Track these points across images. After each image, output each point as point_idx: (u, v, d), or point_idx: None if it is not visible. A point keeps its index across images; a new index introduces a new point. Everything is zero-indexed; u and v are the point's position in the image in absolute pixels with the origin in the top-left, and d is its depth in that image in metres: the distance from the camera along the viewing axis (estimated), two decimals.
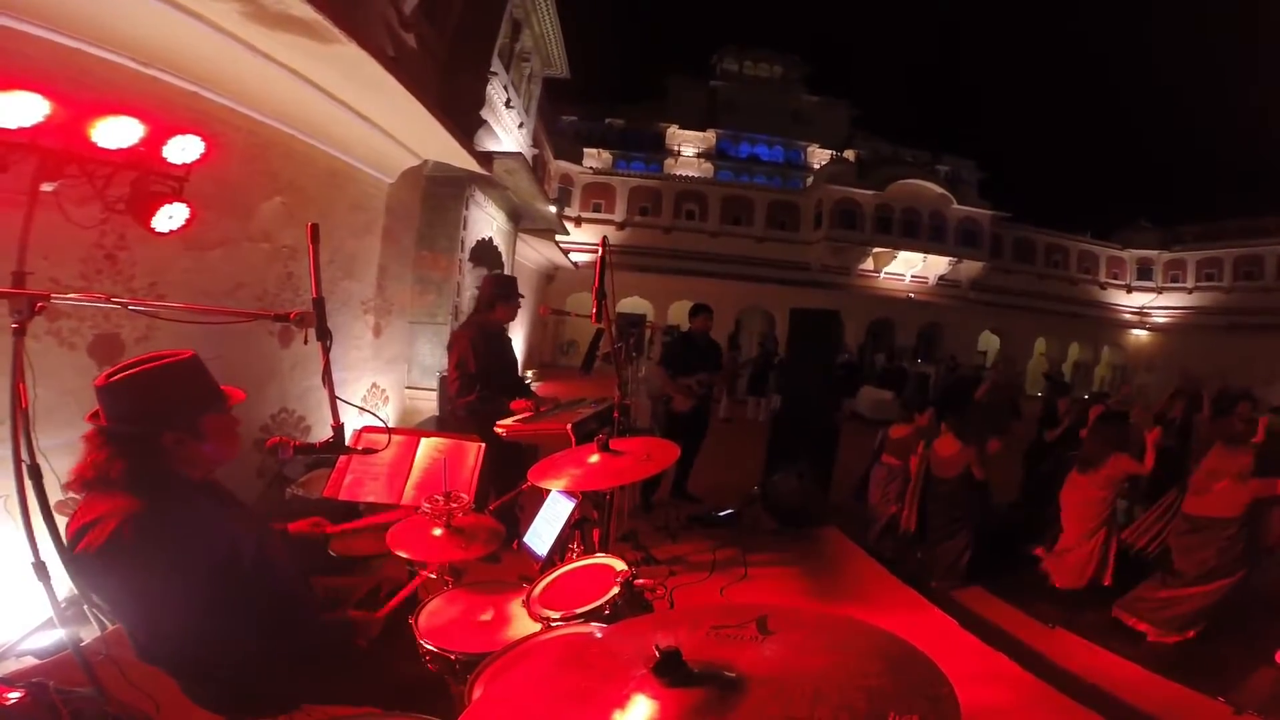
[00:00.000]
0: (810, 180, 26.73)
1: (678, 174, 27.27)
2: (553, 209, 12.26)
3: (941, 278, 25.01)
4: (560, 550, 2.08)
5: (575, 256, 19.28)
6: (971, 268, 24.94)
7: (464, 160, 6.47)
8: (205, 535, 1.43)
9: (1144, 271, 27.65)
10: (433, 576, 1.81)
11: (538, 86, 12.28)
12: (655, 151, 28.99)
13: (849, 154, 26.90)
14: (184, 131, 2.02)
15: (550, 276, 19.80)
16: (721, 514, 5.12)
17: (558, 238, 14.83)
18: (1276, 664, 3.51)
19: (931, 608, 3.89)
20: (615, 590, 1.51)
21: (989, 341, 24.86)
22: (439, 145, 5.97)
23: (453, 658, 1.46)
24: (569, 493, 2.03)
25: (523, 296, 4.08)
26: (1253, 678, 3.45)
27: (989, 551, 4.75)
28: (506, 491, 2.63)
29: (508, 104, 9.83)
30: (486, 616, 1.62)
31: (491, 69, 8.27)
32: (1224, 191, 47.32)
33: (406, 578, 1.85)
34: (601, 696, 0.84)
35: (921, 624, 3.64)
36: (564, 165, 24.32)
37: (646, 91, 31.77)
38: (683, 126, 29.34)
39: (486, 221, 8.96)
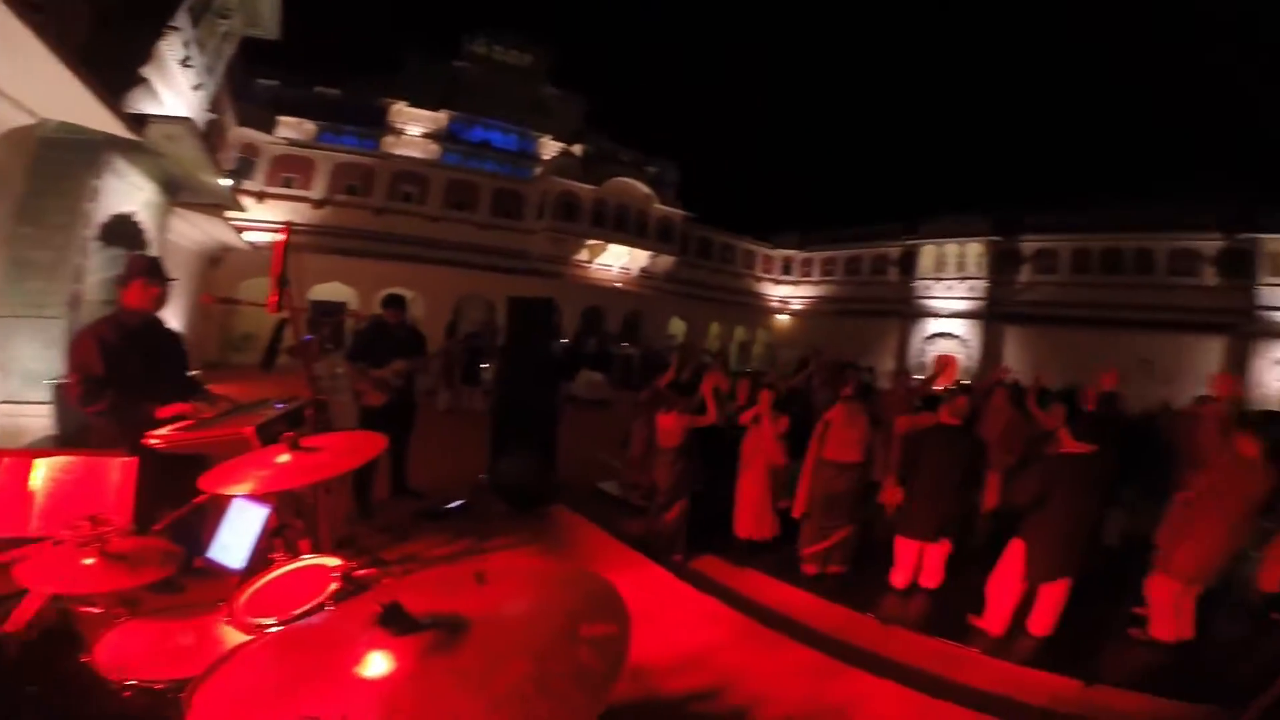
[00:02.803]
0: (539, 170, 27.19)
1: (397, 153, 25.19)
2: (227, 182, 10.37)
3: (643, 269, 27.97)
4: (260, 562, 1.88)
5: (254, 237, 16.46)
6: (666, 261, 28.39)
7: (105, 122, 5.24)
8: None
9: (787, 267, 34.87)
10: (98, 611, 1.49)
11: (233, 46, 10.43)
12: (374, 127, 26.33)
13: (577, 148, 27.94)
14: None
15: (217, 259, 16.48)
16: (451, 506, 5.07)
17: (231, 214, 12.59)
18: (906, 587, 4.42)
19: (652, 564, 4.34)
20: (335, 586, 1.46)
21: (678, 326, 28.75)
22: (69, 103, 4.81)
23: (159, 686, 1.31)
24: (258, 498, 1.85)
25: (174, 279, 3.41)
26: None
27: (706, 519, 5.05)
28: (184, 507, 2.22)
29: (185, 62, 8.06)
30: (185, 640, 1.43)
31: (174, 23, 6.86)
32: (848, 203, 63.28)
33: (57, 616, 1.49)
34: (336, 664, 0.86)
35: (645, 579, 4.09)
36: (249, 133, 20.68)
37: (381, 64, 28.69)
38: (414, 104, 27.17)
39: (128, 193, 7.13)
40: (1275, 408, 15.45)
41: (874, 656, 3.46)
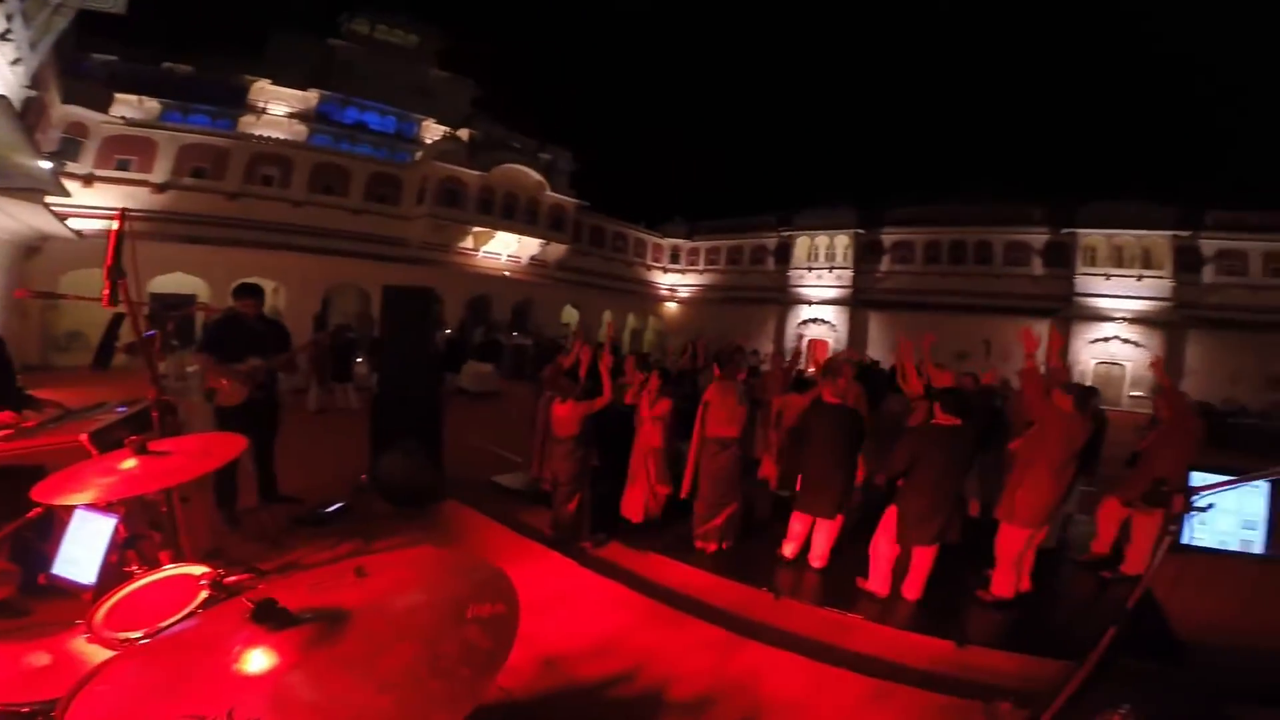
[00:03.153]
0: (420, 155, 25.85)
1: (255, 134, 22.88)
2: (45, 164, 9.10)
3: (533, 258, 27.51)
4: (114, 575, 1.73)
5: (80, 224, 14.42)
6: (558, 249, 28.11)
7: None
8: None
9: (675, 256, 35.78)
10: None
11: (65, 19, 9.51)
12: (231, 106, 23.93)
13: (463, 133, 26.67)
14: None
15: (35, 249, 14.29)
16: (330, 509, 4.81)
17: (52, 200, 11.07)
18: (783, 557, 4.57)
19: (553, 554, 4.37)
20: (205, 594, 1.39)
21: (570, 315, 28.65)
22: None
23: (25, 710, 1.23)
24: (102, 507, 1.70)
25: None
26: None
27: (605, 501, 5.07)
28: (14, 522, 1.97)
29: (3, 36, 7.00)
30: (41, 661, 1.33)
31: None
32: (732, 193, 65.80)
33: None
34: (215, 664, 0.85)
35: (549, 569, 4.14)
36: (78, 111, 18.33)
37: (243, 41, 26.06)
38: (280, 83, 24.79)
39: None
40: (1090, 383, 18.09)
41: (771, 629, 3.65)
